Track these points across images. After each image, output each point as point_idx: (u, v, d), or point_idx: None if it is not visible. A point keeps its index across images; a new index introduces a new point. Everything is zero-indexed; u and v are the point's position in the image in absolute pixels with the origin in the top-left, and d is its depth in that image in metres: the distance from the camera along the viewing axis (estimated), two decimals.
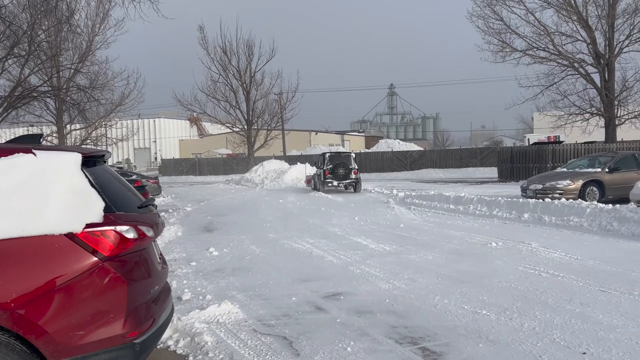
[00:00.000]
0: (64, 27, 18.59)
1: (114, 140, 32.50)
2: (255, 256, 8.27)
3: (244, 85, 36.74)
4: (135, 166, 58.10)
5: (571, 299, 5.13)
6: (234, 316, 5.04)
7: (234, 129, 37.88)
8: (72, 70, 23.11)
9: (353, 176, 21.29)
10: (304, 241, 9.41)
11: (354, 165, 21.68)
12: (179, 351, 4.22)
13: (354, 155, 22.96)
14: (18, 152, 2.80)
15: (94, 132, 30.26)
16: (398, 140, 58.17)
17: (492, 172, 31.09)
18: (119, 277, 2.79)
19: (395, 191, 18.57)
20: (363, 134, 72.35)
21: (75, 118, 25.86)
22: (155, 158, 65.86)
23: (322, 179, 21.38)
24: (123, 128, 34.14)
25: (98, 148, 3.26)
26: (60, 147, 2.92)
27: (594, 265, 6.53)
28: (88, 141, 28.15)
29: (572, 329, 4.28)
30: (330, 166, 21.28)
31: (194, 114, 46.72)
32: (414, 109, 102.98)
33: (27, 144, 3.00)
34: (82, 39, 24.17)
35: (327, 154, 22.22)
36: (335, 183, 21.13)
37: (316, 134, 64.15)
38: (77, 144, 26.86)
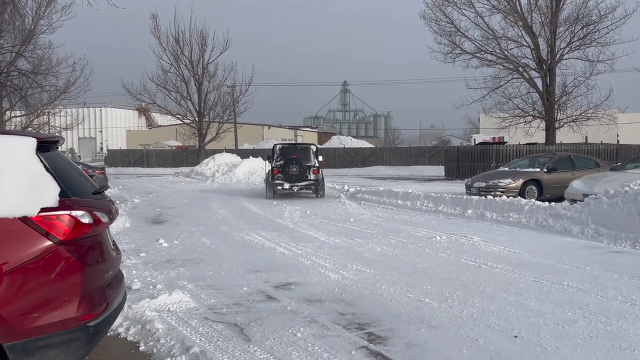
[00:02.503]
0: (8, 8, 17.76)
1: (58, 129, 31.33)
2: (206, 248, 8.28)
3: (197, 76, 36.18)
4: (79, 156, 56.04)
5: (507, 288, 5.48)
6: (185, 305, 5.09)
7: (185, 120, 37.26)
8: (14, 54, 22.12)
9: (312, 176, 16.06)
10: (255, 234, 9.49)
11: (314, 162, 16.31)
12: (130, 338, 4.26)
13: (314, 148, 17.03)
14: None
15: (36, 120, 29.08)
16: (350, 137, 58.77)
17: (440, 170, 32.04)
18: (74, 261, 2.82)
19: (346, 187, 18.86)
20: (316, 130, 72.70)
21: (16, 104, 24.78)
22: (101, 148, 63.81)
23: (269, 179, 16.30)
24: (68, 116, 32.98)
25: (52, 134, 3.23)
26: (15, 131, 2.89)
27: (530, 258, 6.96)
28: (29, 129, 27.00)
29: (507, 315, 4.59)
30: (281, 163, 16.06)
31: (143, 104, 45.66)
32: (367, 107, 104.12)
33: None
34: (26, 21, 23.13)
35: (278, 146, 16.86)
36: (286, 186, 15.98)
37: (269, 128, 63.95)
38: None
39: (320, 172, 16.33)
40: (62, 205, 2.83)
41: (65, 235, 2.80)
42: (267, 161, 17.73)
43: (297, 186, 16.12)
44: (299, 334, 4.23)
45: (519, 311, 4.70)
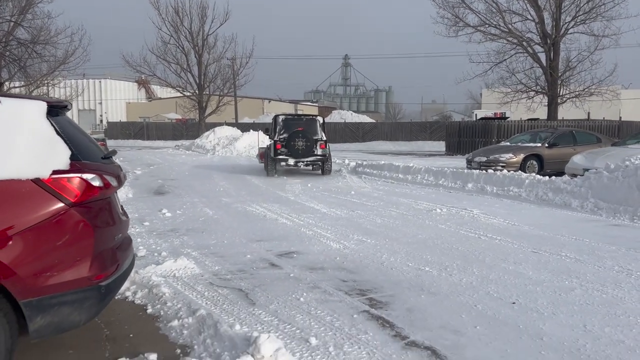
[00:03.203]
0: None
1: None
2: (208, 218, 8.37)
3: (196, 48, 35.90)
4: None
5: (506, 258, 5.57)
6: (190, 271, 5.19)
7: (185, 93, 37.06)
8: (12, 23, 21.90)
9: (319, 151, 14.60)
10: (257, 205, 9.57)
11: (321, 136, 14.87)
12: (137, 301, 4.36)
13: (321, 120, 15.48)
14: None
15: (35, 91, 28.91)
16: (351, 112, 58.54)
17: (441, 145, 32.01)
18: (85, 223, 2.89)
19: (347, 161, 18.90)
20: (317, 104, 72.27)
21: (15, 75, 24.63)
22: (101, 121, 63.55)
23: (271, 155, 14.71)
24: (67, 88, 32.79)
25: (61, 99, 3.25)
26: (26, 95, 2.92)
27: (529, 230, 7.05)
28: None
29: (505, 284, 4.69)
30: (285, 136, 14.47)
31: (143, 76, 45.32)
32: (368, 82, 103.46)
33: None
34: None
35: (281, 118, 15.19)
36: (291, 162, 14.55)
37: (269, 102, 63.59)
38: None
39: (327, 147, 14.87)
40: (73, 168, 2.89)
41: (76, 198, 2.86)
42: (266, 135, 16.28)
43: (302, 162, 14.61)
44: (302, 299, 4.33)
45: (517, 280, 4.80)
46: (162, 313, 4.07)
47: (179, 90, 37.07)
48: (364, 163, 16.53)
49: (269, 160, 14.92)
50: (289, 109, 64.88)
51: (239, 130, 31.74)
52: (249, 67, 38.02)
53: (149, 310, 4.15)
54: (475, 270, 5.12)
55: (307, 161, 14.65)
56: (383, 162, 15.98)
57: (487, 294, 4.41)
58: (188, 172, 16.92)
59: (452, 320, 3.85)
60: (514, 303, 4.19)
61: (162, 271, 5.11)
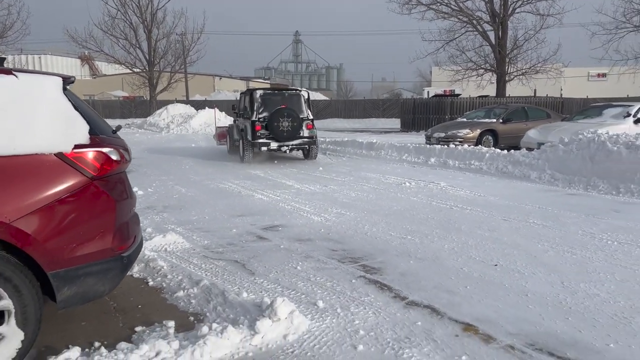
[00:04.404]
0: None
1: None
2: (182, 195, 8.37)
3: (145, 22, 34.68)
4: None
5: (480, 226, 5.94)
6: (180, 245, 5.27)
7: (135, 69, 35.88)
8: None
9: (306, 132, 12.46)
10: (229, 182, 9.62)
11: (308, 114, 12.71)
12: (136, 275, 4.41)
13: (305, 95, 13.12)
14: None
15: None
16: (306, 90, 58.38)
17: (394, 122, 32.63)
18: (107, 196, 2.94)
19: None
20: (269, 81, 71.61)
21: None
22: None
23: (248, 137, 12.33)
24: (4, 64, 31.10)
25: (68, 74, 3.15)
26: (39, 71, 2.84)
27: (495, 201, 7.48)
28: None
29: (484, 248, 5.04)
30: (265, 115, 12.15)
31: (86, 52, 43.49)
32: (319, 59, 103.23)
33: None
34: None
35: (259, 93, 12.49)
36: (274, 146, 12.18)
37: (220, 79, 62.52)
38: None
39: (314, 127, 12.78)
40: (93, 143, 2.92)
41: (97, 171, 2.91)
42: (233, 113, 14.28)
43: (287, 146, 12.31)
44: (299, 267, 4.52)
45: (494, 244, 5.16)
46: (164, 285, 4.16)
47: (128, 67, 35.81)
48: (327, 140, 16.72)
49: (244, 144, 12.57)
50: (240, 86, 63.96)
51: (192, 108, 31.17)
52: (200, 43, 37.19)
53: (151, 283, 4.23)
54: (454, 237, 5.45)
55: (292, 145, 12.37)
56: (346, 139, 16.24)
57: (470, 258, 4.74)
58: (147, 150, 16.60)
59: (444, 281, 4.14)
60: (496, 265, 4.53)
61: (153, 246, 5.17)
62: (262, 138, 12.15)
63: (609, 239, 5.27)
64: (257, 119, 12.14)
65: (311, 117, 12.74)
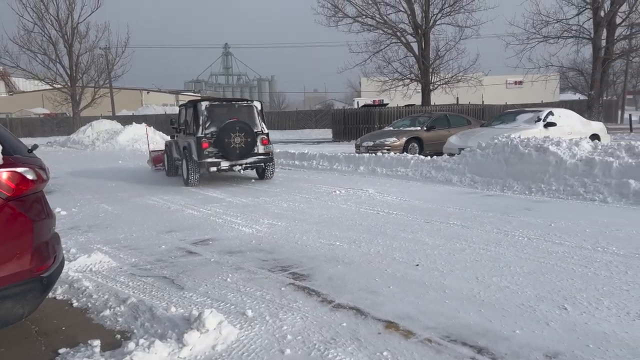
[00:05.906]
0: None
1: None
2: (109, 213, 8.15)
3: (66, 37, 33.42)
4: None
5: (404, 229, 6.22)
6: (106, 265, 5.16)
7: (55, 85, 34.35)
8: None
9: (261, 149, 11.14)
10: (157, 197, 9.46)
11: (262, 128, 11.31)
12: (60, 297, 4.29)
13: (259, 106, 11.56)
14: None
15: None
16: None
17: (326, 133, 33.15)
18: (23, 216, 2.89)
19: None
20: (199, 94, 70.62)
21: None
22: None
23: (194, 156, 10.67)
24: None
25: None
26: None
27: (419, 204, 7.84)
28: None
29: (407, 250, 5.30)
30: (213, 130, 10.61)
31: (1, 67, 41.27)
32: (250, 71, 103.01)
33: None
34: None
35: (204, 105, 10.80)
36: (225, 165, 10.71)
37: (148, 93, 61.06)
38: None
39: (270, 143, 11.42)
40: (6, 163, 2.87)
41: (12, 192, 2.85)
42: (172, 128, 12.61)
43: (241, 165, 10.87)
44: (228, 279, 4.57)
45: (417, 246, 5.43)
46: (89, 305, 4.07)
47: (48, 83, 34.24)
48: None
49: (189, 165, 10.83)
50: (169, 99, 62.79)
51: (119, 124, 30.23)
52: (125, 57, 36.26)
53: (75, 304, 4.13)
54: (380, 241, 5.68)
55: (246, 163, 10.92)
56: (278, 150, 16.32)
57: (394, 260, 4.97)
58: (71, 169, 15.95)
59: (368, 283, 4.33)
60: (417, 265, 4.78)
61: (77, 267, 5.04)
62: (211, 157, 10.58)
63: (520, 235, 5.69)
64: (203, 135, 10.56)
65: (266, 131, 11.36)
